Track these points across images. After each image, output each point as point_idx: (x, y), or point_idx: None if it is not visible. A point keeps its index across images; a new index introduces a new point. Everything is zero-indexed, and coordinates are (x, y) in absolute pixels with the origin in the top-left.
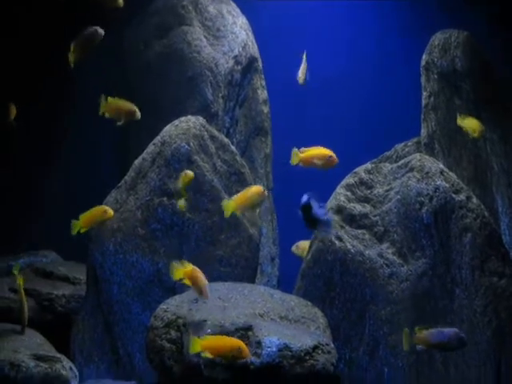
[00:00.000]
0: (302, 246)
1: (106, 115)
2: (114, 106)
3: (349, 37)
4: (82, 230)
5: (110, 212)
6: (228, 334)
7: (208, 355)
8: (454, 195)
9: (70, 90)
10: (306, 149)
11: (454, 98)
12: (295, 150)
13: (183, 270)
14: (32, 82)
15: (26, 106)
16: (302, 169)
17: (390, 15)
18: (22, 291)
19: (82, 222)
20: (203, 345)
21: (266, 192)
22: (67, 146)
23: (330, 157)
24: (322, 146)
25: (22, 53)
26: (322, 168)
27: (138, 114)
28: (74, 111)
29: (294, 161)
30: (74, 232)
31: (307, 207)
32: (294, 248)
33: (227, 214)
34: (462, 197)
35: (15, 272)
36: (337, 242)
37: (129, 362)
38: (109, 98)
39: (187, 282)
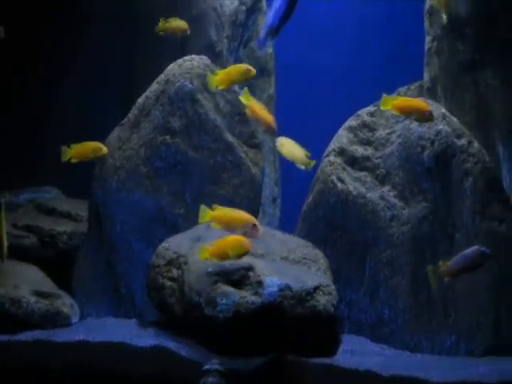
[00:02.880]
0: (285, 143)
1: (161, 34)
2: (173, 24)
3: None
4: (73, 160)
5: (104, 149)
6: (228, 273)
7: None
8: (455, 139)
9: (78, 30)
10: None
11: (457, 43)
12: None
13: (212, 213)
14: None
15: (28, 45)
16: (304, 111)
17: None
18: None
19: (74, 151)
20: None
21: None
22: (71, 82)
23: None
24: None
25: None
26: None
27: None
28: (79, 51)
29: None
30: (64, 159)
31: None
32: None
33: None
34: (463, 141)
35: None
36: (339, 183)
37: (130, 300)
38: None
39: (215, 225)
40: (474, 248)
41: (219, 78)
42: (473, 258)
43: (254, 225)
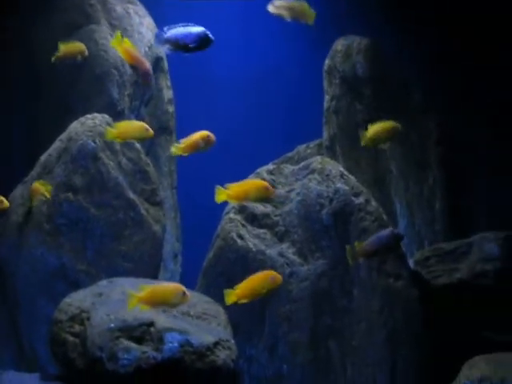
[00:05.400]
0: None
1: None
2: (72, 46)
3: (252, 39)
4: None
5: (6, 204)
6: (130, 329)
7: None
8: (353, 198)
9: None
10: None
11: (355, 103)
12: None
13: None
14: None
15: None
16: (206, 167)
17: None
18: None
19: None
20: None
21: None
22: None
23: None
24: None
25: None
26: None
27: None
28: None
29: None
30: None
31: None
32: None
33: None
34: (361, 199)
35: None
36: (238, 240)
37: (33, 354)
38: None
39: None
40: (388, 230)
41: (117, 132)
42: (387, 239)
43: (184, 292)
